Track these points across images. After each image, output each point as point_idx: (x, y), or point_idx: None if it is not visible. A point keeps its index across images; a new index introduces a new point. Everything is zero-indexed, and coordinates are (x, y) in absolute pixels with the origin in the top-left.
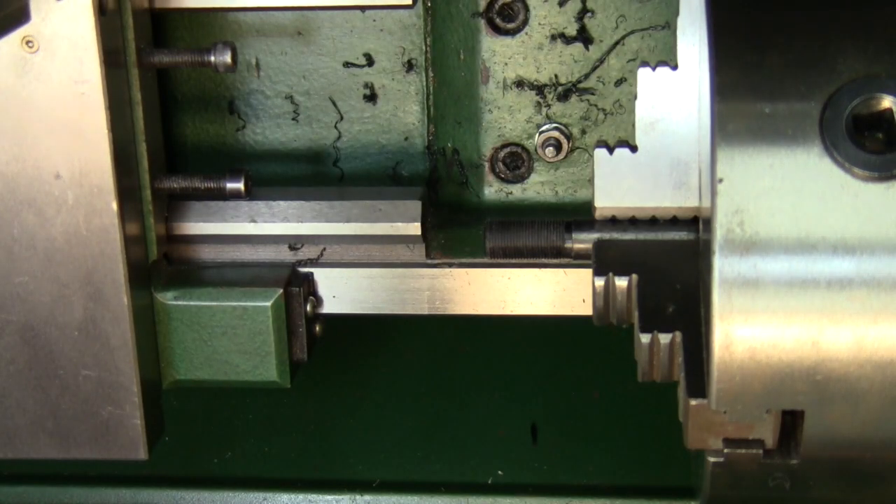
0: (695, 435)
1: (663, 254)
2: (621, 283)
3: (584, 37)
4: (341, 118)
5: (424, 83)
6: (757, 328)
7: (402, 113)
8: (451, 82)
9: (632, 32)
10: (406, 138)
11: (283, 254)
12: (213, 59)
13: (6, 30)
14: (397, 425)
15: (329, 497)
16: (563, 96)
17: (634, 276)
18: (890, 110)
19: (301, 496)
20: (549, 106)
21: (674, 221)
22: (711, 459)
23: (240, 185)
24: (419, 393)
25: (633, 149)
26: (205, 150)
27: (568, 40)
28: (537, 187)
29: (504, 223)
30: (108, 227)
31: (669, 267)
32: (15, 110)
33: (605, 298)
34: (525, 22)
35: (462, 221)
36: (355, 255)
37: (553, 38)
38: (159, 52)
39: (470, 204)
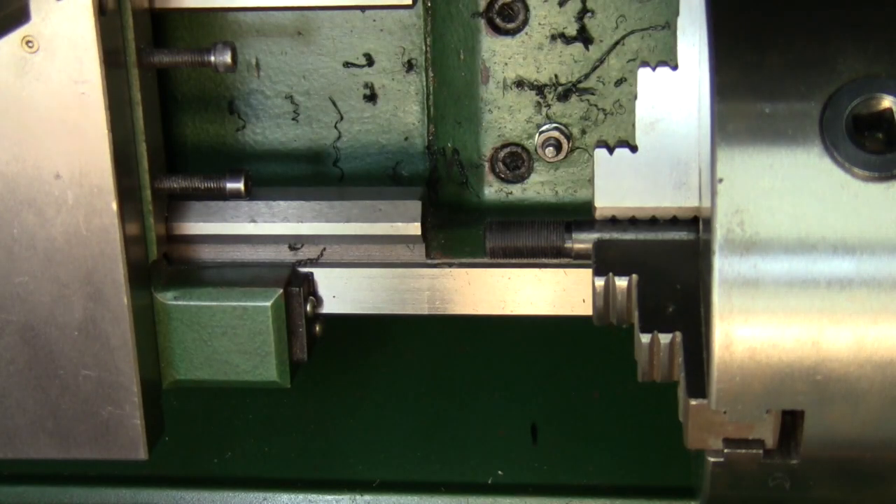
0: (695, 435)
1: (663, 254)
2: (621, 283)
3: (584, 37)
4: (341, 118)
5: (424, 83)
6: (757, 328)
7: (402, 113)
8: (451, 82)
9: (632, 32)
10: (406, 138)
11: (283, 254)
12: (213, 59)
13: (6, 30)
14: (397, 425)
15: (329, 497)
16: (563, 96)
17: (634, 276)
18: (890, 110)
19: (301, 496)
20: (549, 106)
21: (674, 221)
22: (711, 459)
23: (240, 185)
24: (419, 393)
25: (633, 149)
26: (205, 150)
27: (568, 40)
28: (537, 187)
29: (504, 223)
30: (108, 227)
31: (669, 267)
32: (15, 110)
33: (605, 298)
34: (525, 22)
35: (462, 221)
36: (355, 255)
37: (553, 38)
38: (159, 52)
39: (470, 204)
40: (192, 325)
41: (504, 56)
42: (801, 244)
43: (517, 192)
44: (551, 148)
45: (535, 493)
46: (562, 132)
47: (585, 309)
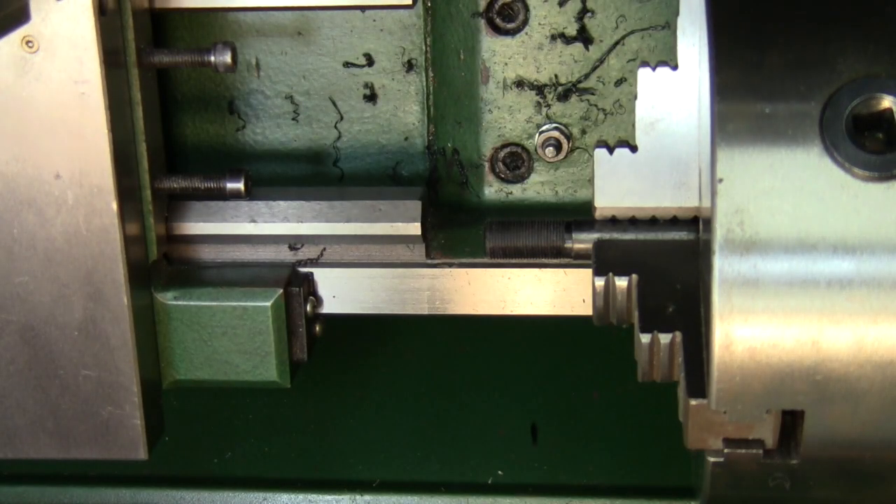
0: (695, 435)
1: (663, 254)
2: (621, 283)
3: (584, 37)
4: (341, 118)
5: (424, 83)
6: (757, 328)
7: (402, 113)
8: (451, 82)
9: (632, 32)
10: (406, 138)
11: (283, 254)
12: (213, 59)
13: (6, 30)
14: (397, 425)
15: (329, 497)
16: (563, 96)
17: (634, 276)
18: (890, 110)
19: (301, 496)
20: (549, 106)
21: (674, 221)
22: (711, 459)
23: (240, 185)
24: (419, 393)
25: (633, 149)
26: (205, 150)
27: (568, 40)
28: (537, 187)
29: (504, 223)
30: (108, 227)
31: (669, 267)
32: (15, 110)
33: (605, 298)
34: (525, 22)
35: (462, 221)
36: (355, 255)
37: (553, 38)
38: (159, 52)
39: (470, 204)
40: (192, 325)
41: (504, 56)
42: (801, 244)
43: (517, 192)
44: (551, 148)
45: (535, 493)
46: (562, 132)
47: (585, 309)
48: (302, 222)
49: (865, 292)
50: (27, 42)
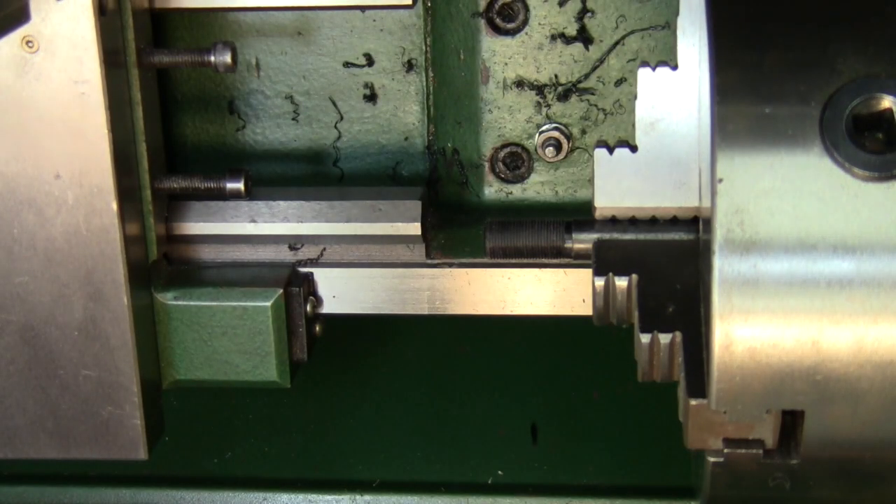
0: (695, 435)
1: (663, 254)
2: (621, 283)
3: (584, 37)
4: (341, 118)
5: (424, 83)
6: (757, 328)
7: (402, 113)
8: (451, 82)
9: (632, 32)
10: (406, 138)
11: (283, 254)
12: (213, 59)
13: (6, 30)
14: (397, 425)
15: (329, 497)
16: (563, 96)
17: (634, 276)
18: (890, 110)
19: (301, 496)
20: (549, 106)
21: (674, 221)
22: (711, 459)
23: (240, 185)
24: (419, 393)
25: (633, 149)
26: (205, 150)
27: (568, 40)
28: (537, 187)
29: (504, 223)
30: (108, 227)
31: (669, 267)
32: (15, 110)
33: (605, 298)
34: (525, 22)
35: (462, 221)
36: (355, 255)
37: (553, 38)
38: (159, 52)
39: (470, 204)
40: (192, 325)
41: (504, 56)
42: (801, 244)
43: (517, 192)
44: (551, 148)
45: (535, 493)
46: (562, 132)
47: (585, 309)
48: (302, 222)
49: (865, 292)
50: (27, 42)
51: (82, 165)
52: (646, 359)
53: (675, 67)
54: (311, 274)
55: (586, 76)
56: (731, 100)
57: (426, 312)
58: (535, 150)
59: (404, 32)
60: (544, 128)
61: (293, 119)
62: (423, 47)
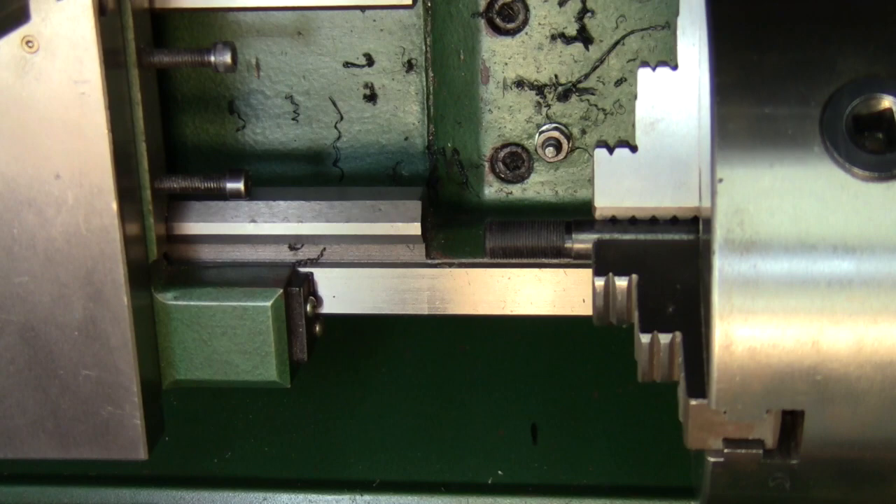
0: (695, 435)
1: (663, 254)
2: (621, 283)
3: (584, 37)
4: (341, 118)
5: (424, 83)
6: (757, 328)
7: (402, 113)
8: (451, 82)
9: (632, 32)
10: (406, 138)
11: (283, 254)
12: (213, 59)
13: (6, 30)
14: (397, 425)
15: (329, 497)
16: (563, 96)
17: (634, 276)
18: (890, 110)
19: (301, 496)
20: (549, 106)
21: (674, 221)
22: (711, 459)
23: (240, 185)
24: (419, 393)
25: (633, 149)
26: (205, 150)
27: (568, 40)
28: (537, 187)
29: (504, 223)
30: (108, 227)
31: (669, 267)
32: (15, 110)
33: (605, 298)
34: (525, 22)
35: (462, 221)
36: (355, 255)
37: (553, 38)
38: (159, 52)
39: (470, 204)
40: (192, 325)
41: (504, 56)
42: (801, 244)
43: (517, 192)
44: (551, 148)
45: (535, 493)
46: (562, 132)
47: (585, 309)
48: (302, 222)
49: (865, 292)
50: (27, 42)
51: (82, 165)
52: (646, 359)
53: (675, 67)
54: (311, 274)
55: (586, 76)
56: (731, 100)
57: (426, 312)
58: (535, 150)
59: (404, 32)
60: (544, 128)
61: (293, 119)
62: (423, 47)
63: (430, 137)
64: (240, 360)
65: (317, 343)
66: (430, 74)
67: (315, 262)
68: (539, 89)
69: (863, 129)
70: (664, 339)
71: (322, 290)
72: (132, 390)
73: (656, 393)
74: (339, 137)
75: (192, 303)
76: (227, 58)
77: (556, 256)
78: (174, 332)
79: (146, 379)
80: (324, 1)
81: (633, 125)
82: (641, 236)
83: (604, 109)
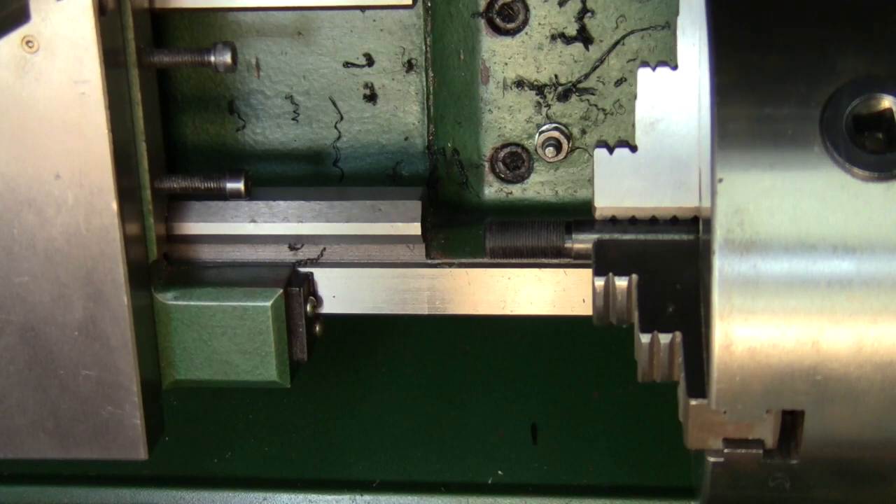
0: (695, 435)
1: (663, 254)
2: (621, 283)
3: (584, 37)
4: (341, 118)
5: (424, 83)
6: (757, 328)
7: (402, 113)
8: (451, 82)
9: (632, 32)
10: (406, 138)
11: (283, 254)
12: (213, 59)
13: (6, 30)
14: (397, 425)
15: (329, 497)
16: (563, 96)
17: (634, 276)
18: (890, 110)
19: (301, 496)
20: (549, 106)
21: (674, 221)
22: (711, 459)
23: (240, 185)
24: (419, 393)
25: (633, 149)
26: (205, 150)
27: (568, 40)
28: (537, 187)
29: (504, 223)
30: (108, 227)
31: (669, 267)
32: (15, 110)
33: (605, 298)
34: (525, 22)
35: (462, 221)
36: (355, 255)
37: (553, 38)
38: (159, 52)
39: (470, 204)
40: (192, 325)
41: (504, 56)
42: (801, 244)
43: (517, 192)
44: (551, 148)
45: (535, 493)
46: (562, 132)
47: (585, 309)
48: (302, 222)
49: (865, 292)
50: (27, 42)
51: (82, 165)
52: (646, 359)
53: (675, 67)
54: (311, 274)
55: (586, 76)
56: (731, 100)
57: (426, 312)
58: (535, 150)
59: (404, 32)
60: (544, 128)
61: (293, 119)
62: (423, 47)
63: (430, 137)
64: (240, 360)
65: (317, 343)
66: (430, 74)
67: (315, 262)
68: (539, 89)
69: (863, 129)
70: (664, 339)
71: (322, 290)
72: (132, 390)
73: (656, 393)
74: (339, 137)
75: (192, 303)
76: (227, 58)
77: (556, 256)
78: (174, 332)
79: (146, 379)
80: (324, 1)
81: (633, 125)
82: (641, 236)
83: (604, 109)
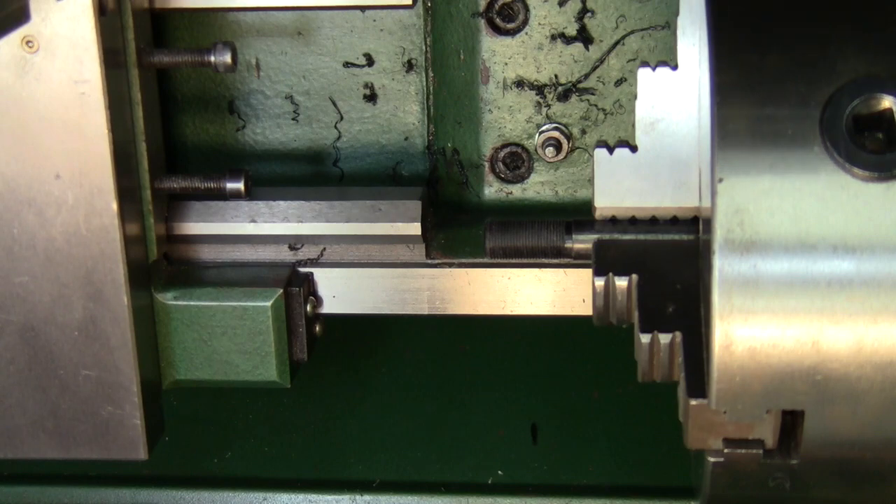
0: (695, 435)
1: (663, 254)
2: (621, 283)
3: (584, 37)
4: (341, 118)
5: (424, 83)
6: (757, 328)
7: (402, 113)
8: (451, 82)
9: (632, 32)
10: (406, 138)
11: (283, 254)
12: (213, 59)
13: (6, 30)
14: (397, 425)
15: (329, 497)
16: (563, 96)
17: (634, 276)
18: (890, 110)
19: (301, 496)
20: (549, 106)
21: (674, 221)
22: (711, 459)
23: (240, 185)
24: (419, 393)
25: (633, 149)
26: (205, 150)
27: (568, 40)
28: (537, 187)
29: (504, 223)
30: (108, 227)
31: (669, 267)
32: (15, 110)
33: (605, 298)
34: (525, 22)
35: (462, 221)
36: (355, 255)
37: (553, 38)
38: (159, 52)
39: (470, 204)
40: (192, 325)
41: (504, 56)
42: (801, 244)
43: (517, 192)
44: (551, 148)
45: (535, 493)
46: (562, 132)
47: (585, 309)
48: (302, 222)
49: (865, 292)
50: (27, 42)
51: (82, 165)
52: (646, 359)
53: (675, 67)
54: (311, 274)
55: (586, 76)
56: (731, 100)
57: (426, 312)
58: (535, 150)
59: (404, 32)
60: (544, 128)
61: (293, 119)
62: (423, 47)
63: (430, 137)
64: (240, 360)
65: (317, 343)
66: (430, 74)
67: (315, 262)
68: (539, 89)
69: (863, 129)
70: (664, 339)
71: (322, 290)
72: (132, 390)
73: (656, 393)
74: (339, 137)
75: (192, 303)
76: (227, 58)
77: (556, 256)
78: (174, 332)
79: (146, 379)
80: (324, 1)
81: (633, 125)
82: (641, 236)
83: (604, 109)
